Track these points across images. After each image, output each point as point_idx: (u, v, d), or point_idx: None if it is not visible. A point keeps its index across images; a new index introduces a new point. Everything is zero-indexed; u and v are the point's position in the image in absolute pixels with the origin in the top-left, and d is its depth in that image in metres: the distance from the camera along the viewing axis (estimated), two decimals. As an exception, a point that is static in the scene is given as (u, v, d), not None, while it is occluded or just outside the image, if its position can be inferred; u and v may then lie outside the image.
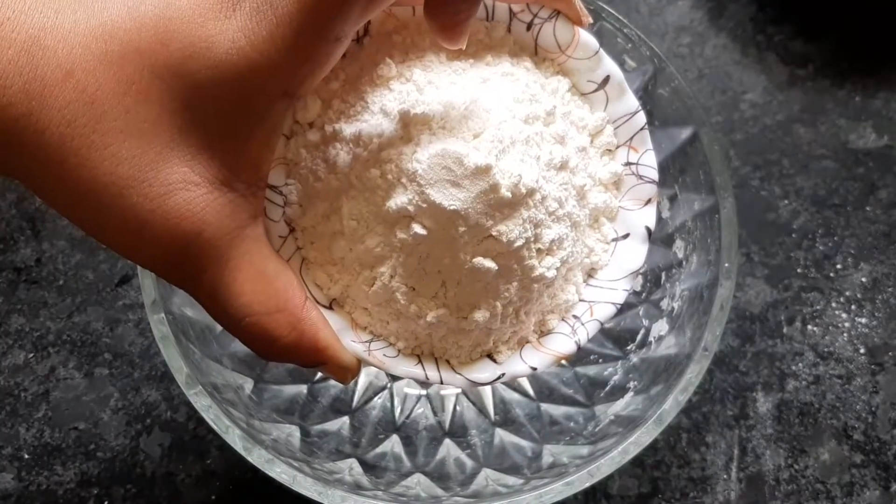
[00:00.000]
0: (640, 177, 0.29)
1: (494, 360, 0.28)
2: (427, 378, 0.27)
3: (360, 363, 0.27)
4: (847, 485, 0.42)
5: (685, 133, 0.35)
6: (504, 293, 0.25)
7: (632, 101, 0.29)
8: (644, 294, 0.38)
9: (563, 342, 0.28)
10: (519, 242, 0.24)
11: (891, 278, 0.46)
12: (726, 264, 0.33)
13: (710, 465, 0.42)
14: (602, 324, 0.28)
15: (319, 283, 0.27)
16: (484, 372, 0.27)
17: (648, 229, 0.29)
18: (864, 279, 0.46)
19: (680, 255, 0.36)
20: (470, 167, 0.22)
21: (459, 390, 0.42)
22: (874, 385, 0.44)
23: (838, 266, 0.46)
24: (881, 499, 0.41)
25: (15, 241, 0.46)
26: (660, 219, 0.37)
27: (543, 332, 0.28)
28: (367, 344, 0.27)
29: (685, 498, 0.41)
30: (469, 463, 0.37)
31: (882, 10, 0.52)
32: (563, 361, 0.41)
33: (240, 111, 0.22)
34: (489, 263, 0.24)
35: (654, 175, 0.29)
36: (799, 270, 0.46)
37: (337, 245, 0.26)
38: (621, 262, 0.29)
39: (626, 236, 0.29)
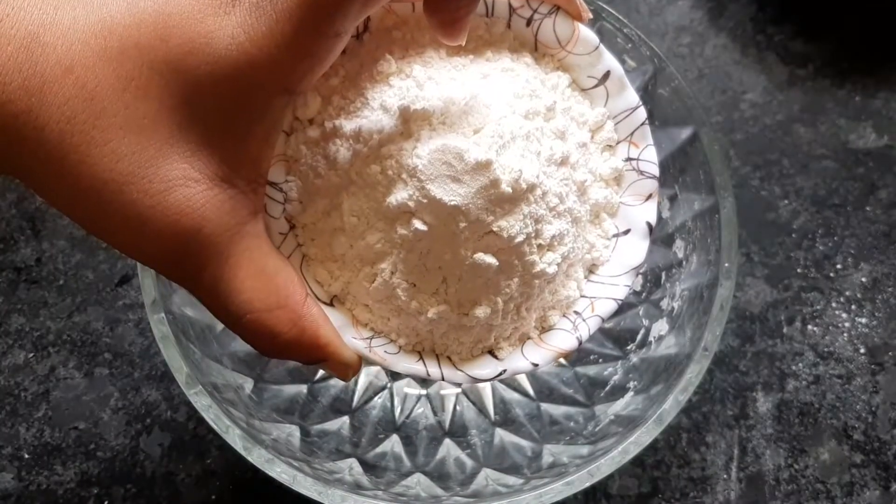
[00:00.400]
0: (641, 172, 0.29)
1: (496, 357, 0.28)
2: (428, 375, 0.27)
3: (361, 360, 0.27)
4: (847, 485, 0.42)
5: (685, 133, 0.35)
6: (505, 289, 0.25)
7: (632, 97, 0.29)
8: (644, 294, 0.38)
9: (564, 338, 0.28)
10: (520, 238, 0.24)
11: (891, 278, 0.46)
12: (726, 264, 0.33)
13: (710, 464, 0.42)
14: (603, 319, 0.28)
15: (320, 279, 0.27)
16: (485, 368, 0.27)
17: (649, 225, 0.29)
18: (864, 279, 0.46)
19: (680, 254, 0.36)
20: (470, 162, 0.22)
21: (459, 390, 0.42)
22: (874, 385, 0.44)
23: (838, 266, 0.46)
24: (881, 499, 0.41)
25: (15, 240, 0.46)
26: (660, 219, 0.37)
27: (545, 328, 0.28)
28: (368, 341, 0.27)
29: (685, 498, 0.41)
30: (469, 463, 0.37)
31: (882, 10, 0.52)
32: (564, 360, 0.41)
33: (239, 107, 0.22)
34: (490, 259, 0.24)
35: (655, 170, 0.29)
36: (799, 270, 0.46)
37: (337, 241, 0.26)
38: (622, 258, 0.29)
39: (626, 232, 0.29)
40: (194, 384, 0.31)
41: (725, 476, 0.42)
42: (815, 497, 0.41)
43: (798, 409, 0.43)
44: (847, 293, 0.46)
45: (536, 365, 0.27)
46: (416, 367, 0.27)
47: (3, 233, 0.46)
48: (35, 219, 0.46)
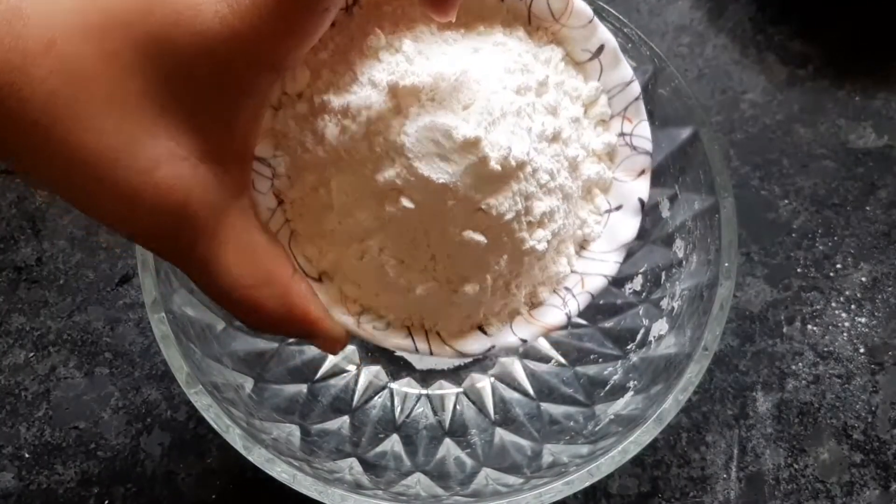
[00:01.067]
0: (634, 147, 0.28)
1: (485, 332, 0.27)
2: (416, 350, 0.27)
3: (349, 335, 0.27)
4: (847, 484, 0.42)
5: (685, 133, 0.35)
6: (494, 266, 0.25)
7: (626, 71, 0.28)
8: (644, 294, 0.38)
9: (553, 314, 0.28)
10: (509, 216, 0.24)
11: (890, 278, 0.46)
12: (726, 264, 0.33)
13: (709, 464, 0.42)
14: (593, 296, 0.28)
15: (308, 255, 0.27)
16: (474, 344, 0.27)
17: (642, 201, 0.28)
18: (863, 279, 0.46)
19: (680, 254, 0.36)
20: (458, 140, 0.22)
21: (460, 389, 0.42)
22: (874, 385, 0.44)
23: (838, 266, 0.46)
24: (881, 498, 0.41)
25: (15, 240, 0.46)
26: (660, 218, 0.37)
27: (534, 303, 0.28)
28: (357, 316, 0.27)
29: (685, 497, 0.41)
30: (469, 462, 0.37)
31: (881, 10, 0.52)
32: (563, 360, 0.41)
33: (224, 84, 0.21)
34: (479, 237, 0.24)
35: (649, 146, 0.29)
36: (799, 270, 0.46)
37: (326, 218, 0.26)
38: (613, 234, 0.29)
39: (618, 208, 0.29)
40: (194, 384, 0.31)
41: (725, 476, 0.42)
42: (815, 496, 0.41)
43: (798, 408, 0.43)
44: (847, 293, 0.46)
45: (525, 340, 0.27)
46: (404, 342, 0.27)
47: (3, 232, 0.46)
48: (35, 218, 0.46)
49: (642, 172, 0.29)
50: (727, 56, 0.51)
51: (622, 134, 0.29)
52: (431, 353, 0.27)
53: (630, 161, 0.29)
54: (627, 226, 0.28)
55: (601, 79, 0.28)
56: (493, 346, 0.27)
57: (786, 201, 0.48)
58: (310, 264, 0.27)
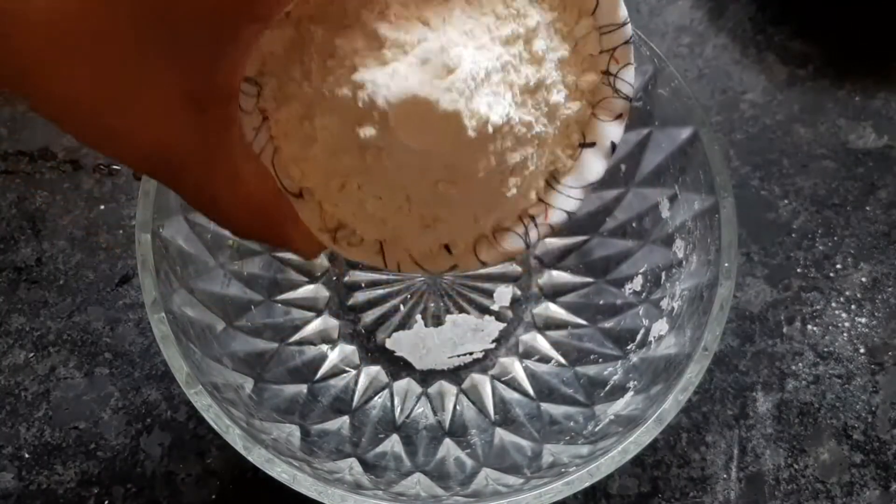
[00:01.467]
0: (616, 90, 0.28)
1: (450, 252, 0.29)
2: (386, 266, 0.28)
3: (324, 246, 0.29)
4: (847, 484, 0.42)
5: (685, 133, 0.35)
6: (465, 209, 0.27)
7: (622, 12, 0.28)
8: (644, 294, 0.38)
9: (514, 241, 0.29)
10: (482, 173, 0.25)
11: (891, 278, 0.46)
12: (726, 264, 0.33)
13: (709, 464, 0.42)
14: (553, 228, 0.29)
15: (291, 174, 0.28)
16: (440, 263, 0.29)
17: (613, 144, 0.29)
18: (863, 279, 0.46)
19: (680, 254, 0.36)
20: (439, 112, 0.23)
21: (461, 389, 0.42)
22: (874, 385, 0.44)
23: (838, 266, 0.46)
24: (881, 499, 0.41)
25: (15, 240, 0.46)
26: (660, 218, 0.37)
27: (499, 229, 0.29)
28: (333, 232, 0.28)
29: (685, 497, 0.41)
30: (469, 462, 0.37)
31: (881, 10, 0.52)
32: (564, 359, 0.41)
33: (210, 31, 0.21)
34: (452, 190, 0.25)
35: (630, 91, 0.28)
36: (799, 270, 0.46)
37: (309, 147, 0.27)
38: (582, 171, 0.29)
39: (592, 144, 0.29)
40: (194, 384, 0.31)
41: (725, 476, 0.42)
42: (815, 497, 0.41)
43: (798, 408, 0.43)
44: (847, 293, 0.46)
45: (486, 264, 0.29)
46: (376, 258, 0.29)
47: (3, 233, 0.46)
48: (35, 219, 0.46)
49: (620, 116, 0.29)
50: (727, 56, 0.51)
51: (607, 73, 0.29)
52: (400, 270, 0.29)
53: (610, 102, 0.29)
54: (596, 164, 0.29)
55: (595, 14, 0.28)
56: (457, 266, 0.29)
57: (786, 201, 0.48)
58: (291, 181, 0.28)
